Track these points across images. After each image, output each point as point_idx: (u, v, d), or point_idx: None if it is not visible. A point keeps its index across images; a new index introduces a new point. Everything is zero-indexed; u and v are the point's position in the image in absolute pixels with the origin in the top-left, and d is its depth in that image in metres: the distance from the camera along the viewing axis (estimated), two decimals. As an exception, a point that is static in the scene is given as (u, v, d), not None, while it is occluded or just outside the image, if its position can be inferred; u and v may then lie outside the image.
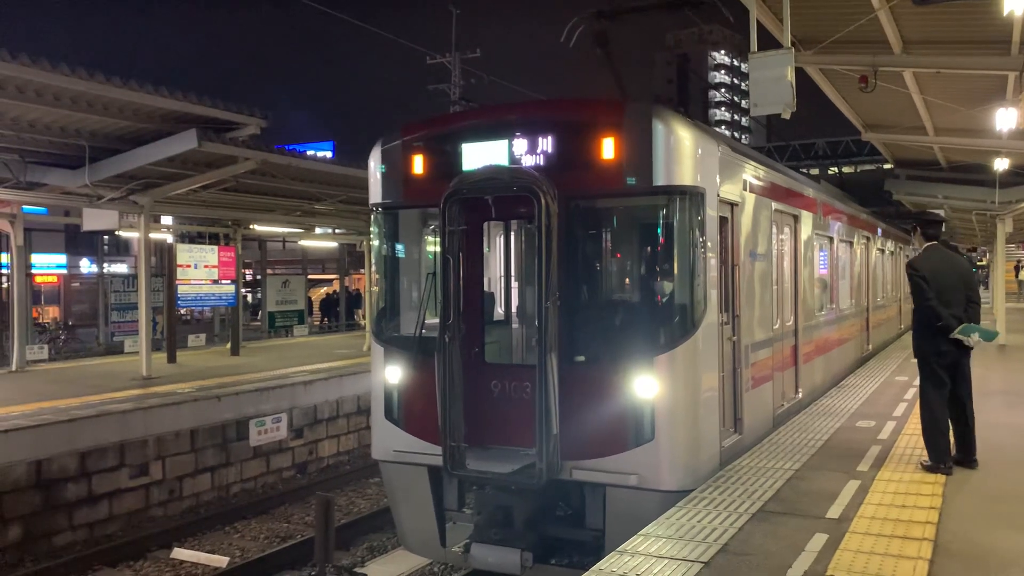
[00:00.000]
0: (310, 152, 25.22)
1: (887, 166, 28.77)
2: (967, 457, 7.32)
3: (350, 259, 32.21)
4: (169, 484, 11.83)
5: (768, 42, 9.51)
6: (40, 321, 31.28)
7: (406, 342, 7.87)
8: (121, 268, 39.53)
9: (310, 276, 33.62)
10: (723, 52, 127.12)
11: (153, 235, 19.16)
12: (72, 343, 26.43)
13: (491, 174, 7.22)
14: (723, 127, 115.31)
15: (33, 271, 27.97)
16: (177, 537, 10.93)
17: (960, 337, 6.94)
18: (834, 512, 6.11)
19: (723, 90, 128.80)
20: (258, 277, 32.60)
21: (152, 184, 14.50)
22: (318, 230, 24.55)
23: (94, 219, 15.04)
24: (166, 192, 14.76)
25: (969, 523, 5.83)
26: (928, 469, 7.21)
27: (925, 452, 7.41)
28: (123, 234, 23.34)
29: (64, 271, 38.82)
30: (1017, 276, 40.08)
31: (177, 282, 18.71)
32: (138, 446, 11.43)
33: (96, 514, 10.86)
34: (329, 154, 41.40)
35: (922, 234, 7.47)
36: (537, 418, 6.84)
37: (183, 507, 11.99)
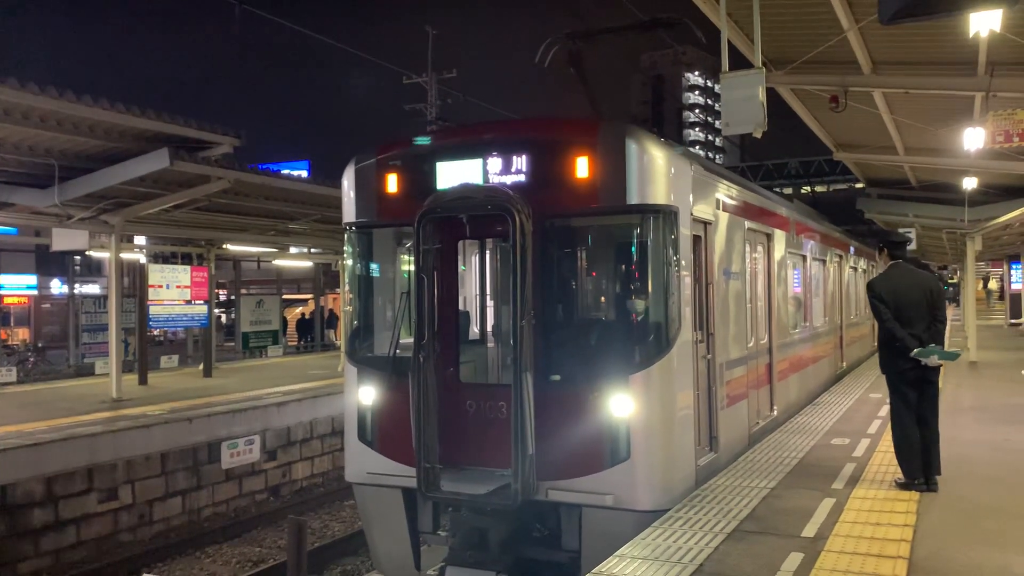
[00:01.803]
0: (285, 171, 25.10)
1: (859, 185, 29.19)
2: (927, 479, 7.15)
3: (326, 279, 32.03)
4: (139, 508, 11.61)
5: (740, 62, 9.61)
6: (9, 343, 30.77)
7: (380, 362, 7.79)
8: (93, 289, 39.01)
9: (285, 296, 33.38)
10: (697, 73, 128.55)
11: (125, 255, 18.95)
12: (42, 365, 25.99)
13: (465, 193, 7.20)
14: (697, 147, 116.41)
15: (2, 292, 27.54)
16: (146, 563, 10.71)
17: (919, 358, 6.95)
18: (809, 531, 6.09)
19: (697, 110, 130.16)
20: (232, 297, 32.31)
21: (123, 203, 14.34)
22: (293, 249, 24.43)
23: (64, 239, 14.85)
24: (137, 212, 14.59)
25: (943, 540, 5.84)
26: (902, 486, 7.23)
27: (899, 469, 7.43)
28: (94, 254, 23.06)
29: (34, 292, 38.26)
30: (985, 287, 40.80)
31: (149, 302, 18.48)
32: (107, 470, 11.22)
33: (63, 540, 10.62)
34: (305, 173, 41.27)
35: (888, 254, 7.51)
36: (512, 438, 6.78)
37: (153, 532, 11.76)
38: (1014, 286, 35.03)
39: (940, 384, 7.48)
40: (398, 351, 7.60)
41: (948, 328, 7.40)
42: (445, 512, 7.65)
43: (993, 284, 40.95)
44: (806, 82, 11.91)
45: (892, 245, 7.56)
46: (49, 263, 37.52)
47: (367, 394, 7.82)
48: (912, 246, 19.99)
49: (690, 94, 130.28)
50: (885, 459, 8.41)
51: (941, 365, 7.17)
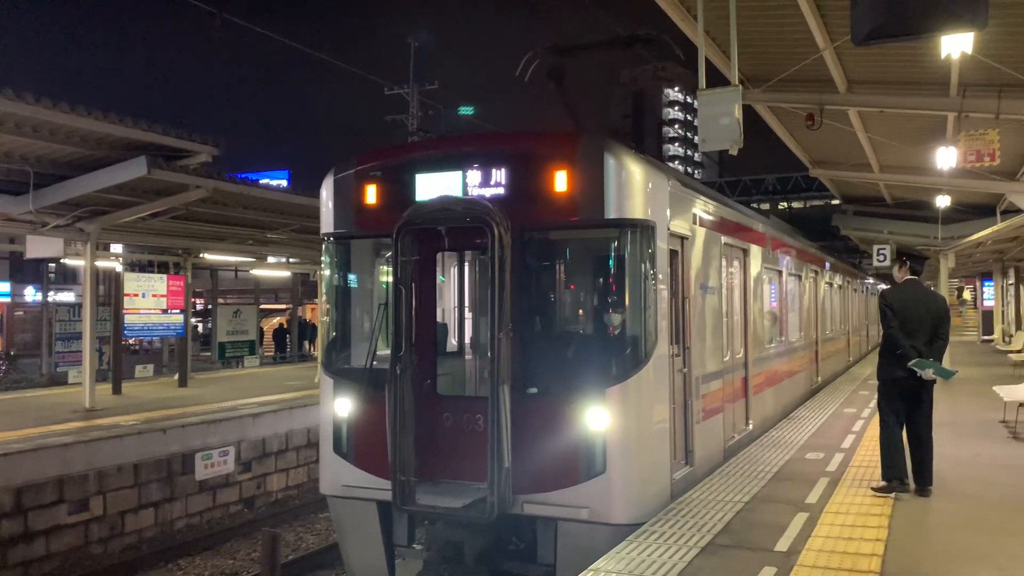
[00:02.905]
0: (264, 181, 25.01)
1: (835, 201, 29.53)
2: (921, 485, 7.52)
3: (304, 288, 31.88)
4: (110, 520, 11.46)
5: (718, 80, 9.73)
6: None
7: (356, 374, 7.76)
8: (68, 297, 38.55)
9: (263, 306, 33.17)
10: (677, 89, 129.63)
11: (101, 263, 18.76)
12: (13, 374, 25.65)
13: (444, 205, 7.22)
14: (676, 162, 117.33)
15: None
16: (118, 575, 10.56)
17: (915, 369, 7.24)
18: (783, 545, 6.13)
19: (677, 126, 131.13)
20: (209, 306, 32.07)
21: (100, 211, 14.21)
22: (271, 259, 24.28)
23: (38, 246, 14.69)
24: (114, 220, 14.47)
25: (914, 555, 5.89)
26: (878, 491, 7.48)
27: (874, 481, 7.70)
28: (69, 262, 22.82)
29: (7, 299, 37.77)
30: (960, 296, 41.41)
31: (124, 311, 18.30)
32: (78, 481, 11.07)
33: (32, 552, 10.46)
34: (284, 182, 41.10)
35: (909, 269, 7.77)
36: (489, 451, 6.77)
37: (125, 543, 11.60)
38: (986, 303, 35.51)
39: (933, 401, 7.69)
40: (375, 363, 7.58)
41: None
42: (420, 525, 7.63)
43: (967, 295, 41.55)
44: (782, 100, 12.06)
45: (913, 260, 7.86)
46: (23, 270, 37.08)
47: (343, 406, 7.78)
48: (886, 263, 20.23)
49: (670, 109, 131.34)
50: (859, 474, 8.48)
51: (935, 380, 7.43)
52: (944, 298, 8.55)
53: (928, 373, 7.26)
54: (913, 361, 7.23)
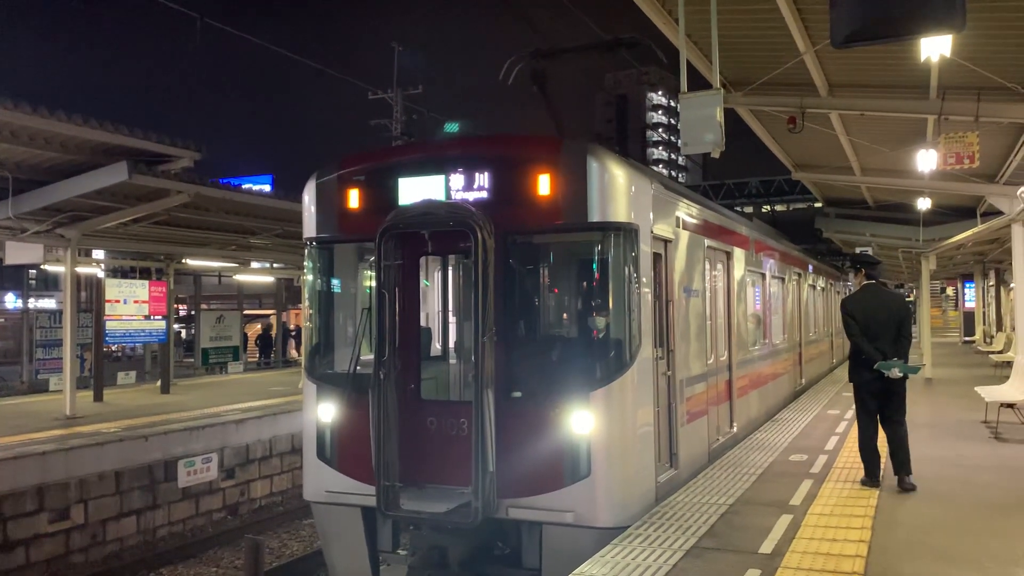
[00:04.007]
0: (247, 185, 24.90)
1: (818, 204, 29.71)
2: (901, 477, 7.81)
3: (288, 294, 31.72)
4: (92, 528, 11.34)
5: (700, 83, 9.76)
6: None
7: (340, 379, 7.73)
8: (49, 303, 38.22)
9: (247, 311, 32.98)
10: (660, 93, 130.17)
11: (82, 269, 18.59)
12: (-7, 381, 25.34)
13: (427, 209, 7.20)
14: (660, 166, 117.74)
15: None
16: (99, 584, 10.47)
17: (882, 371, 7.56)
18: (767, 547, 6.14)
19: (660, 130, 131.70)
20: (192, 312, 31.85)
21: (80, 217, 14.10)
22: (254, 264, 24.17)
23: (17, 253, 14.54)
24: (95, 225, 14.35)
25: (897, 556, 5.92)
26: (863, 483, 7.96)
27: (857, 483, 8.06)
28: (50, 268, 22.60)
29: (-13, 306, 37.39)
30: (943, 291, 41.74)
31: (106, 317, 18.14)
32: (58, 489, 10.95)
33: (11, 561, 10.33)
34: (268, 187, 40.98)
35: (865, 275, 8.09)
36: (473, 456, 6.76)
37: (106, 552, 11.48)
38: (967, 304, 35.82)
39: (906, 393, 8.00)
40: (359, 368, 7.54)
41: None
42: (405, 530, 7.59)
43: (951, 291, 41.87)
44: (764, 103, 12.13)
45: (867, 266, 8.20)
46: (3, 277, 36.71)
47: (326, 411, 7.74)
48: (870, 265, 20.33)
49: (653, 113, 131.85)
50: (843, 475, 8.52)
51: (905, 377, 7.73)
52: (903, 297, 8.87)
53: (894, 372, 7.58)
54: (879, 364, 7.55)
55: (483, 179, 7.26)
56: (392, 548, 7.66)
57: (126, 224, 14.96)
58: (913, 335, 8.74)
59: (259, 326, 35.59)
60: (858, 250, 22.33)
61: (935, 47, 7.94)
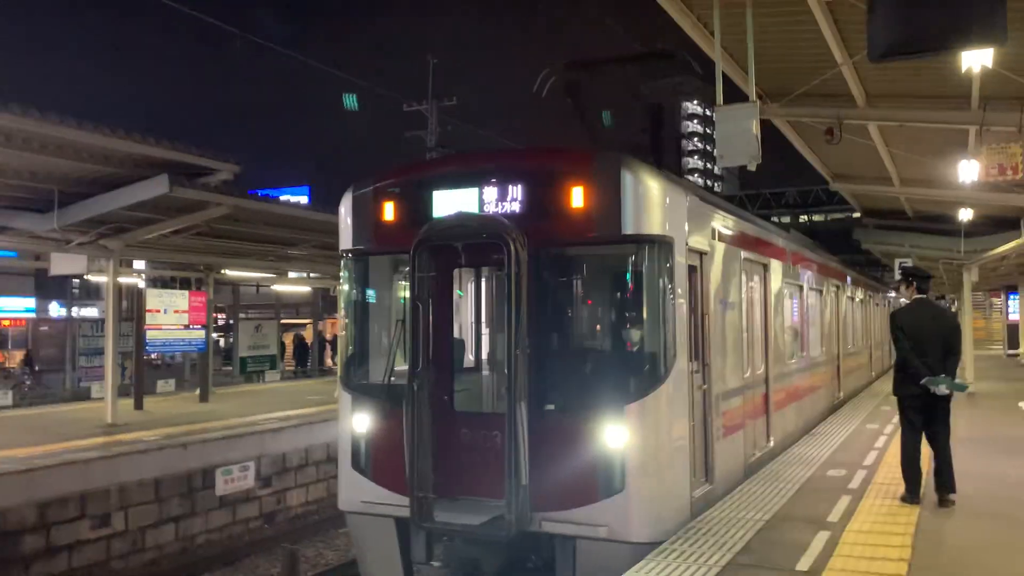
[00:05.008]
0: (284, 197, 25.22)
1: (856, 215, 29.31)
2: (942, 495, 7.72)
3: (324, 303, 32.01)
4: (132, 535, 11.52)
5: (737, 95, 9.71)
6: (6, 366, 30.68)
7: (374, 390, 7.79)
8: (91, 312, 38.99)
9: (284, 321, 33.33)
10: (696, 102, 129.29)
11: (124, 279, 18.96)
12: (38, 389, 25.90)
13: (461, 221, 7.24)
14: (696, 176, 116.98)
15: (0, 315, 27.56)
16: (138, 591, 10.63)
17: (929, 386, 7.47)
18: (804, 564, 6.06)
19: (696, 139, 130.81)
20: (230, 321, 32.27)
21: (122, 229, 14.38)
22: (292, 274, 24.45)
23: (62, 263, 14.88)
24: (137, 237, 14.63)
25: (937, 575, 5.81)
26: (904, 500, 7.82)
27: (897, 498, 7.96)
28: (93, 279, 23.08)
29: (33, 315, 38.21)
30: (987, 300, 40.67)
31: (146, 327, 18.46)
32: (100, 496, 11.15)
33: (54, 567, 10.53)
34: (305, 199, 41.46)
35: (916, 288, 8.02)
36: (506, 468, 6.76)
37: (145, 559, 11.66)
38: (1012, 317, 35.04)
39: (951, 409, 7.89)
40: (393, 379, 7.60)
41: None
42: (439, 542, 7.61)
43: (996, 300, 40.63)
44: (801, 114, 12.01)
45: (919, 280, 8.11)
46: (48, 286, 37.52)
47: (361, 421, 7.80)
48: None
49: (689, 123, 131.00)
50: (881, 491, 8.39)
51: (950, 394, 7.63)
52: (954, 314, 8.72)
53: (941, 389, 7.49)
54: (925, 379, 7.47)
55: (516, 192, 7.29)
56: (426, 559, 7.67)
57: (167, 235, 15.21)
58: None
59: (291, 336, 35.94)
60: (900, 262, 21.95)
61: (976, 58, 7.80)
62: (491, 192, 7.37)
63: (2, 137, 10.25)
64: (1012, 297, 34.27)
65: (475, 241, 7.21)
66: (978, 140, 11.82)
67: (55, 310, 39.64)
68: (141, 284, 20.57)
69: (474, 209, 7.37)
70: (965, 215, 18.42)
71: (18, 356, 35.21)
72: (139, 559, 11.58)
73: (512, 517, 6.71)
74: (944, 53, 4.60)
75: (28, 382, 26.12)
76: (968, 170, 12.32)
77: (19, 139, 10.42)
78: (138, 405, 17.44)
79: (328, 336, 33.92)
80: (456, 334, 8.35)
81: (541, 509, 6.87)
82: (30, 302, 38.07)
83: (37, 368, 30.41)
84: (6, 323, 34.81)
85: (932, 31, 3.98)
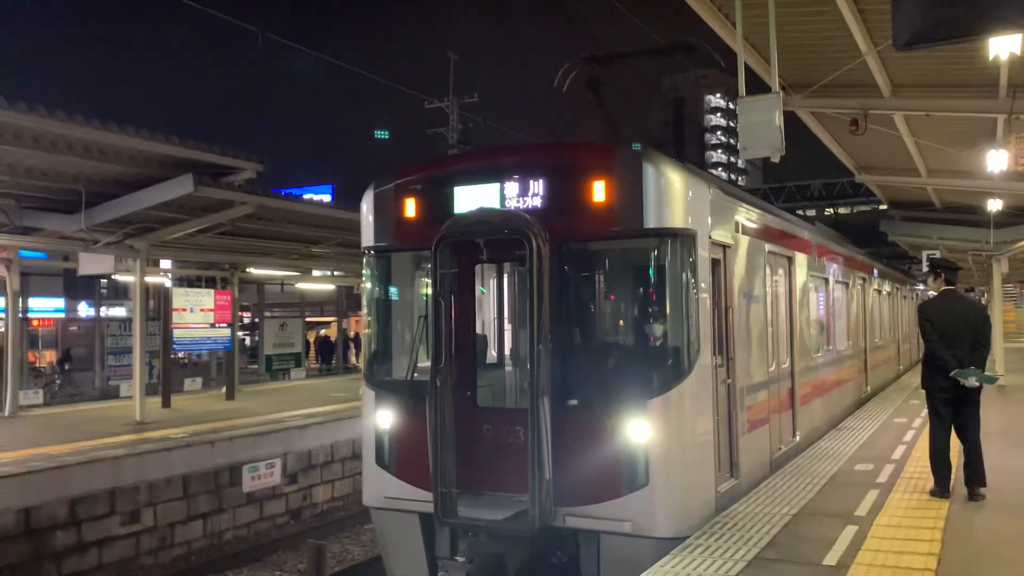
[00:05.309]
0: (308, 195, 25.37)
1: (882, 207, 28.97)
2: (972, 489, 7.62)
3: (348, 301, 32.19)
4: (160, 531, 11.66)
5: (759, 86, 9.60)
6: (36, 365, 31.14)
7: (397, 386, 7.81)
8: (119, 312, 39.47)
9: (308, 319, 33.54)
10: (719, 95, 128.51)
11: (151, 279, 19.17)
12: (68, 387, 26.26)
13: (482, 217, 7.24)
14: (719, 169, 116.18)
15: (30, 315, 27.98)
16: (167, 586, 10.75)
17: (958, 379, 7.37)
18: (831, 559, 6.00)
19: (719, 132, 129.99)
20: (255, 320, 32.54)
21: (148, 228, 14.55)
22: (316, 272, 24.60)
23: (90, 263, 15.08)
24: (162, 236, 14.80)
25: (967, 570, 5.73)
26: (932, 494, 7.75)
27: (925, 493, 7.87)
28: (120, 278, 23.34)
29: (62, 315, 38.74)
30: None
31: (173, 325, 18.65)
32: (129, 493, 11.29)
33: (85, 563, 10.68)
34: (328, 197, 41.62)
35: (945, 280, 7.96)
36: (530, 464, 6.75)
37: (174, 555, 11.80)
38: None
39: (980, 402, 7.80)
40: (416, 375, 7.61)
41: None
42: (463, 537, 7.62)
43: None
44: (825, 105, 11.87)
45: (948, 271, 8.05)
46: (76, 286, 38.02)
47: (384, 418, 7.83)
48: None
49: (712, 116, 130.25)
50: (910, 485, 8.29)
51: (980, 387, 7.53)
52: (983, 306, 8.60)
53: (971, 381, 7.38)
54: (955, 371, 7.37)
55: (537, 187, 7.28)
56: (450, 555, 7.69)
57: (192, 235, 15.38)
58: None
59: (312, 334, 36.17)
60: (927, 254, 21.67)
61: (1004, 45, 7.67)
62: (512, 187, 7.36)
63: (29, 139, 10.42)
64: (1043, 288, 33.70)
65: (497, 237, 7.21)
66: (1007, 129, 11.64)
67: (84, 310, 40.19)
68: (168, 283, 20.78)
69: (495, 205, 7.37)
70: (994, 205, 18.13)
71: (48, 356, 35.74)
72: (168, 555, 11.71)
73: (536, 512, 6.70)
74: (971, 39, 4.52)
75: (59, 381, 26.47)
76: (997, 160, 12.13)
77: (46, 141, 10.59)
78: (166, 403, 17.63)
79: (351, 334, 34.11)
80: (479, 330, 8.35)
81: (565, 504, 6.86)
82: (59, 302, 38.58)
83: (67, 367, 30.87)
84: (35, 323, 35.32)
85: (958, 17, 3.90)
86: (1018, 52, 8.14)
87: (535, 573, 7.21)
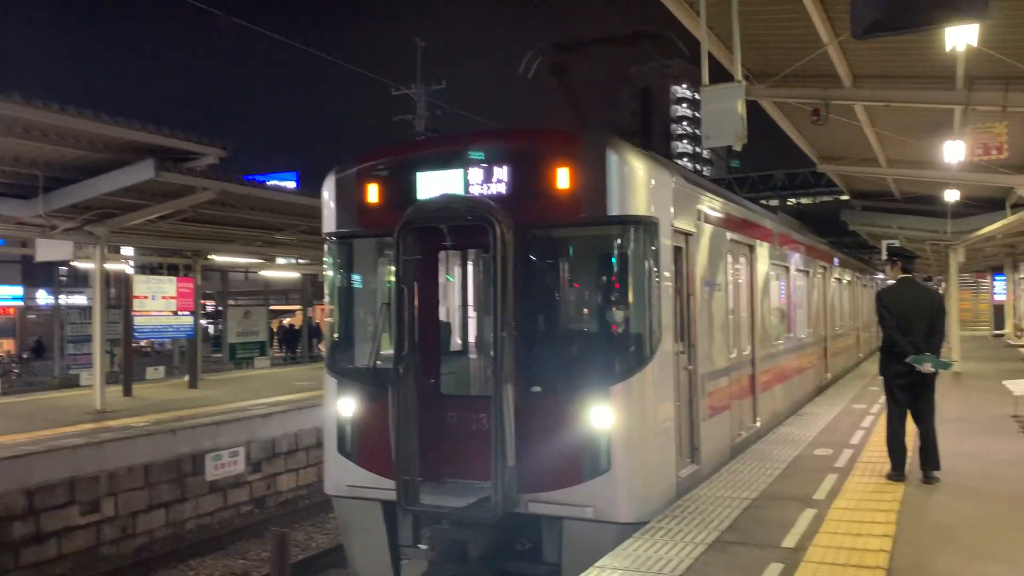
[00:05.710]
0: (272, 182, 25.09)
1: (844, 197, 29.38)
2: (926, 472, 7.82)
3: (314, 289, 31.96)
4: (122, 521, 11.53)
5: (724, 76, 9.68)
6: (-6, 354, 30.56)
7: (360, 374, 7.77)
8: (79, 300, 38.81)
9: (273, 307, 33.27)
10: (684, 86, 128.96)
11: (111, 266, 18.86)
12: (26, 376, 25.81)
13: (446, 203, 7.21)
14: (685, 159, 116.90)
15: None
16: (128, 576, 10.63)
17: (914, 364, 7.52)
18: (790, 541, 6.10)
19: (685, 123, 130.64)
20: (219, 308, 32.19)
21: (108, 214, 14.30)
22: (280, 260, 24.39)
23: (48, 250, 14.80)
24: (123, 223, 14.55)
25: (922, 550, 5.86)
26: (889, 477, 7.93)
27: (883, 477, 8.04)
28: (80, 265, 22.94)
29: (20, 303, 38.01)
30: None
31: (134, 313, 18.39)
32: (89, 482, 11.14)
33: (44, 553, 10.53)
34: (293, 184, 41.18)
35: (901, 268, 8.07)
36: (492, 450, 6.77)
37: (136, 544, 11.67)
38: (997, 297, 35.27)
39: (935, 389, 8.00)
40: (379, 363, 7.58)
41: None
42: (426, 525, 7.62)
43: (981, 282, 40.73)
44: (788, 95, 12.00)
45: (904, 259, 8.15)
46: (35, 274, 37.32)
47: (347, 406, 7.79)
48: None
49: (678, 107, 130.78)
50: (867, 469, 8.45)
51: (935, 372, 7.71)
52: (939, 294, 8.78)
53: (926, 367, 7.56)
54: (911, 357, 7.53)
55: (502, 173, 7.26)
56: (413, 542, 7.68)
57: (153, 221, 15.15)
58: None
59: (276, 323, 35.85)
60: (886, 243, 22.04)
61: (960, 37, 7.81)
62: (476, 173, 7.33)
63: (-16, 122, 10.16)
64: (998, 278, 34.47)
65: (461, 223, 7.18)
66: (963, 120, 11.85)
67: (43, 298, 39.46)
68: (129, 270, 20.47)
69: (459, 191, 7.34)
70: (951, 196, 18.50)
71: (6, 344, 35.07)
72: (129, 545, 11.58)
73: (498, 499, 6.72)
74: (928, 28, 4.59)
75: (16, 370, 26.00)
76: (954, 150, 12.37)
77: (2, 124, 10.34)
78: (127, 392, 17.40)
79: (317, 322, 33.87)
80: (443, 317, 8.33)
81: (528, 491, 6.89)
82: (17, 290, 37.86)
83: (25, 355, 30.31)
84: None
85: (915, 6, 3.97)
86: (975, 44, 8.29)
87: (498, 560, 7.24)
